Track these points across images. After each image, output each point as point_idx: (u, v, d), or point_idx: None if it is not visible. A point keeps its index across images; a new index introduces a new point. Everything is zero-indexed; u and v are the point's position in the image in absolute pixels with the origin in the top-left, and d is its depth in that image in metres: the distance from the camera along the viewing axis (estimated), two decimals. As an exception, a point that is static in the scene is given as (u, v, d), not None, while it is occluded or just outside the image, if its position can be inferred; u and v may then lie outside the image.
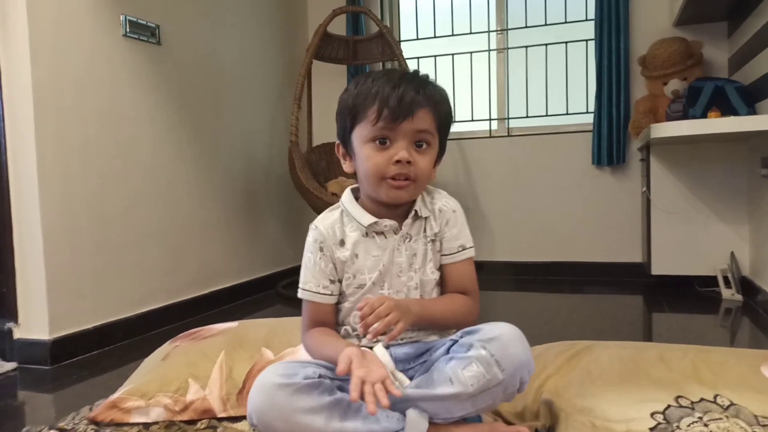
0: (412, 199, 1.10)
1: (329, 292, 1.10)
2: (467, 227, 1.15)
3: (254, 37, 3.32)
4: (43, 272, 2.00)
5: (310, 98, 3.55)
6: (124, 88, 2.36)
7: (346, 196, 1.14)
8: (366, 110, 1.04)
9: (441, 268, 1.14)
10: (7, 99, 2.01)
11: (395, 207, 1.10)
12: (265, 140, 3.41)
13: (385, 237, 1.10)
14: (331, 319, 1.12)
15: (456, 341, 1.01)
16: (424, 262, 1.11)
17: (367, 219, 1.09)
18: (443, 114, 1.09)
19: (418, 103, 1.03)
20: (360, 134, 1.06)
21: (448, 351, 1.01)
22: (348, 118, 1.07)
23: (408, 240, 1.10)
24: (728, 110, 2.59)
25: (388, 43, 3.35)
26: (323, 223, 1.12)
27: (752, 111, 2.60)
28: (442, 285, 1.15)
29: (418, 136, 1.04)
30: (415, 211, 1.11)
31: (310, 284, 1.10)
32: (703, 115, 2.62)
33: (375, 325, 0.95)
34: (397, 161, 1.02)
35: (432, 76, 1.10)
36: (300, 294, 1.12)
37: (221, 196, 2.98)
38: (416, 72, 1.10)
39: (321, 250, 1.10)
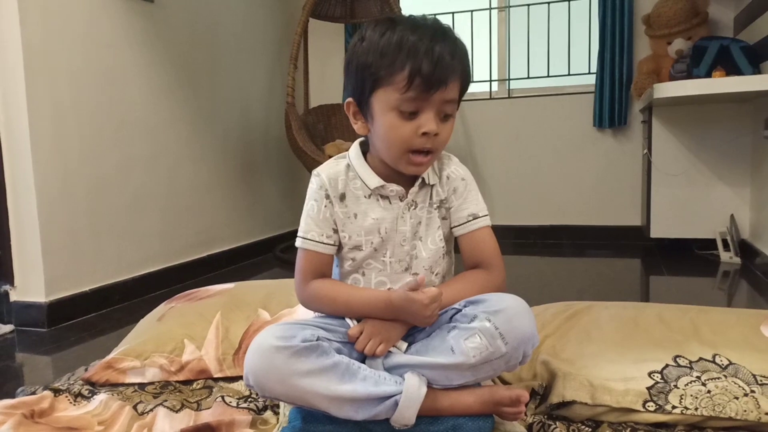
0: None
1: (332, 242, 1.05)
2: (479, 195, 1.08)
3: (249, -5, 3.24)
4: (38, 235, 1.99)
5: (306, 58, 3.48)
6: (117, 47, 2.30)
7: (354, 151, 1.08)
8: (393, 75, 0.93)
9: (456, 240, 1.09)
10: (-5, 57, 1.96)
11: None
12: (263, 101, 3.36)
13: (390, 202, 1.05)
14: (330, 271, 1.08)
15: (459, 310, 0.98)
16: (428, 231, 1.06)
17: (374, 181, 1.03)
18: (468, 79, 1.01)
19: (452, 71, 0.94)
20: (384, 99, 0.96)
21: (450, 319, 0.98)
22: (369, 78, 0.96)
23: (413, 207, 1.05)
24: (733, 70, 2.54)
25: (386, 0, 3.26)
26: (327, 171, 1.06)
27: (757, 71, 2.55)
28: (462, 257, 1.10)
29: (445, 106, 0.97)
30: (423, 179, 1.05)
31: (313, 233, 1.04)
32: (708, 75, 2.58)
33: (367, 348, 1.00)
34: (425, 133, 0.96)
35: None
36: (300, 243, 1.05)
37: (218, 158, 2.94)
38: (446, 26, 0.98)
39: (327, 197, 1.04)
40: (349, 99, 1.03)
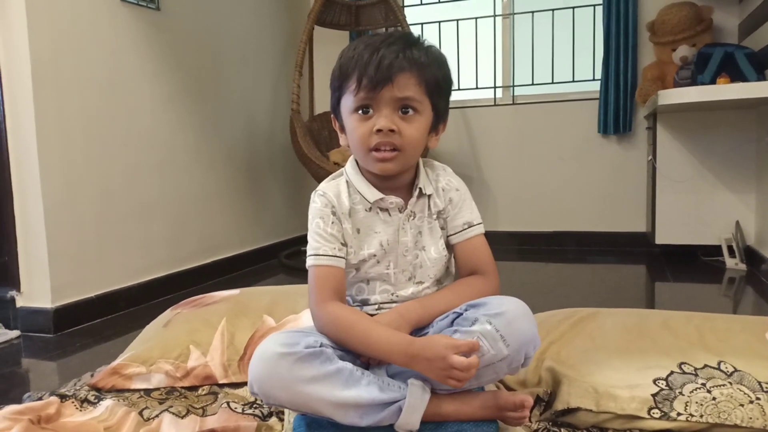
0: (401, 170, 1.04)
1: (343, 255, 1.05)
2: (474, 204, 1.11)
3: (255, 2, 3.26)
4: (45, 241, 2.00)
5: (311, 65, 3.49)
6: (123, 55, 2.32)
7: (351, 166, 1.10)
8: (348, 80, 1.01)
9: (451, 248, 1.10)
10: (4, 67, 1.98)
11: (395, 179, 1.06)
12: (268, 108, 3.37)
13: (389, 214, 1.07)
14: (344, 288, 1.06)
15: (460, 314, 0.98)
16: (431, 240, 1.08)
17: (373, 195, 1.05)
18: (432, 77, 1.01)
19: (399, 67, 0.97)
20: (345, 105, 1.04)
21: (452, 323, 0.99)
22: (336, 89, 1.06)
23: (413, 218, 1.07)
24: (738, 77, 2.54)
25: (391, 8, 3.28)
26: (331, 190, 1.08)
27: (762, 77, 2.55)
28: (457, 265, 1.12)
29: (401, 103, 0.99)
30: (420, 189, 1.07)
31: (325, 248, 1.03)
32: (712, 82, 2.58)
33: None
34: (378, 130, 0.98)
35: (427, 39, 1.04)
36: (312, 261, 1.04)
37: (223, 165, 2.96)
38: (404, 34, 1.04)
39: (334, 214, 1.05)
40: (332, 114, 1.10)
